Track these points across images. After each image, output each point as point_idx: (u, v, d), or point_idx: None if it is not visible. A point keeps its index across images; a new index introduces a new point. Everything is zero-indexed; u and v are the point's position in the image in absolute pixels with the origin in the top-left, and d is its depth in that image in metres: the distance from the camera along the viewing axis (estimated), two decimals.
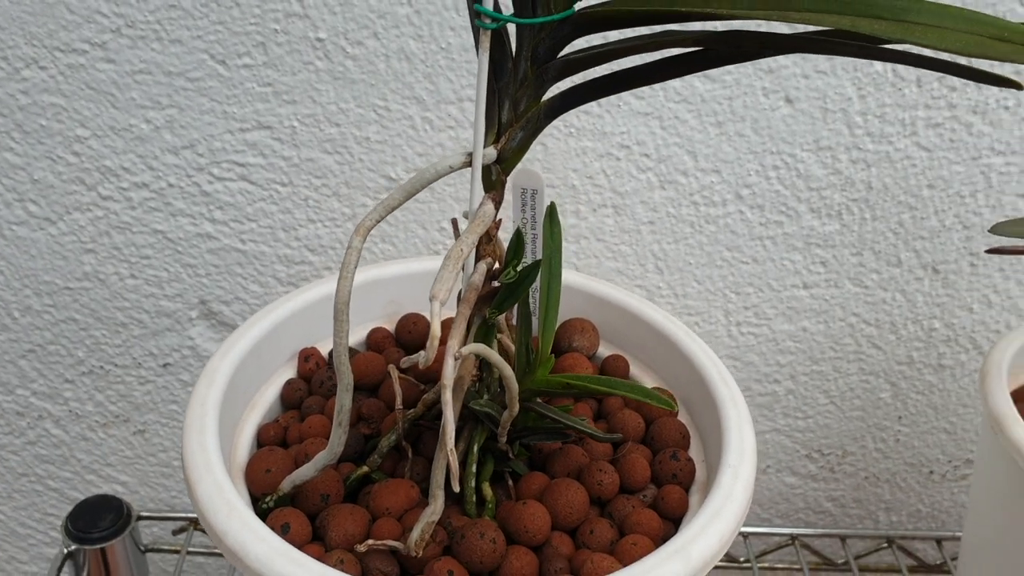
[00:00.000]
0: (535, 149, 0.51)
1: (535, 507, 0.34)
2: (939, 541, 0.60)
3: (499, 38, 0.29)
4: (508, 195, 0.47)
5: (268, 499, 0.34)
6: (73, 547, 0.53)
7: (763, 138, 0.51)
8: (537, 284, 0.36)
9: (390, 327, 0.44)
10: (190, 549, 0.57)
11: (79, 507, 0.55)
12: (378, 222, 0.30)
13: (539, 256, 0.38)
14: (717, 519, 0.32)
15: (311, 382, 0.41)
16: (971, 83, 0.50)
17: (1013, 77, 0.25)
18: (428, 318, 0.43)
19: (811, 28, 0.26)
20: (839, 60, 0.49)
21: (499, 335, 0.39)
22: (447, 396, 0.29)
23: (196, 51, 0.49)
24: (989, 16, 0.24)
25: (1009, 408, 0.43)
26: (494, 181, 0.32)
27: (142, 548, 0.56)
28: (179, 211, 0.54)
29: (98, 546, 0.53)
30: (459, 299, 0.33)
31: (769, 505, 0.65)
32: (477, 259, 0.33)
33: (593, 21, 0.28)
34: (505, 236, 0.33)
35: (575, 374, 0.37)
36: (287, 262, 0.56)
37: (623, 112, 0.50)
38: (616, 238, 0.54)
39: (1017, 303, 0.57)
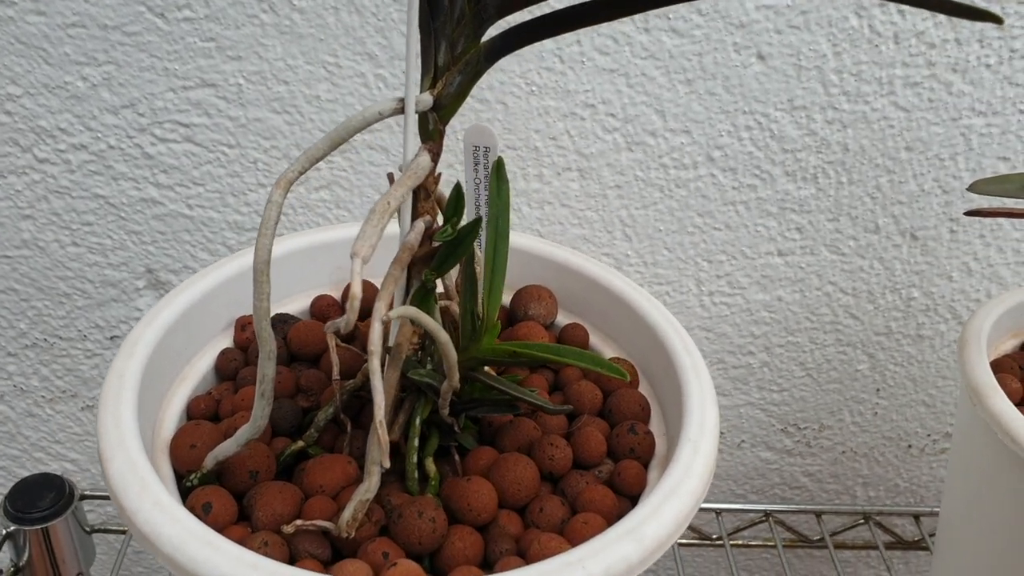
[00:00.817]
0: (494, 108, 0.49)
1: (480, 484, 0.31)
2: (917, 517, 0.58)
3: None
4: (460, 154, 0.44)
5: (192, 477, 0.32)
6: (12, 528, 0.51)
7: (735, 97, 0.48)
8: (484, 241, 0.33)
9: (336, 294, 0.41)
10: None
11: (18, 486, 0.52)
12: (301, 174, 0.28)
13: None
14: (674, 497, 0.30)
15: (247, 352, 0.38)
16: (951, 40, 0.48)
17: (994, 10, 0.23)
18: (375, 284, 0.41)
19: None
20: (813, 15, 0.46)
21: (446, 301, 0.37)
22: (374, 364, 0.26)
23: (132, 3, 0.46)
24: None
25: (988, 378, 0.41)
26: (431, 131, 0.29)
27: (87, 528, 0.54)
28: (121, 175, 0.51)
29: (39, 526, 0.51)
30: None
31: (744, 481, 0.63)
32: (414, 217, 0.31)
33: None
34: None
35: (522, 342, 0.34)
36: (237, 228, 0.53)
37: (587, 69, 0.48)
38: (582, 203, 0.52)
39: (998, 271, 0.55)
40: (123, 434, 0.30)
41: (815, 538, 0.58)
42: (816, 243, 0.53)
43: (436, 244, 0.31)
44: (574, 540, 0.30)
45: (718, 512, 0.57)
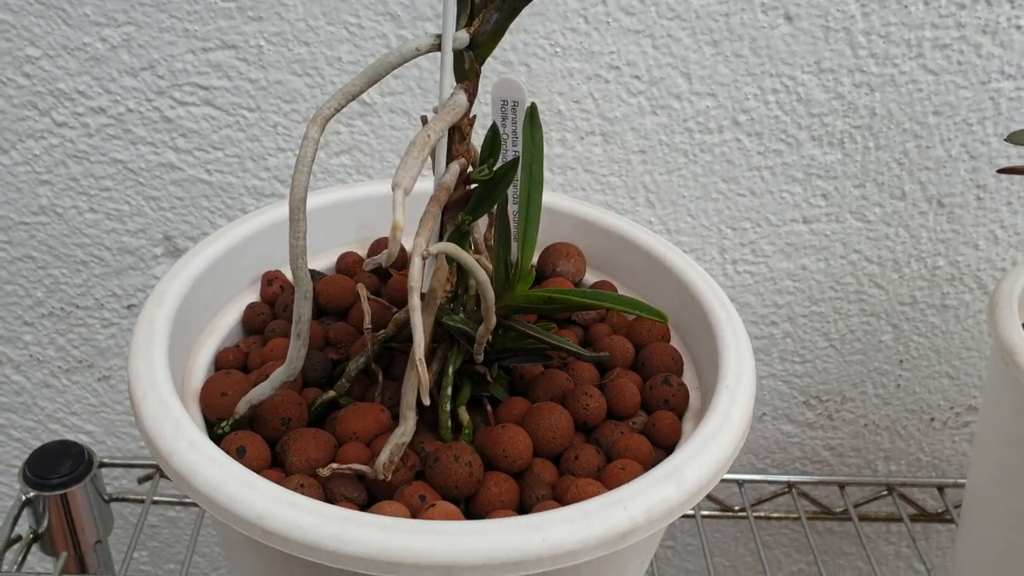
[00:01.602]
0: (518, 71, 0.48)
1: (515, 431, 0.31)
2: (940, 488, 0.57)
3: None
4: (487, 107, 0.44)
5: (224, 424, 0.31)
6: (32, 494, 0.50)
7: (761, 59, 0.48)
8: (516, 192, 0.33)
9: (362, 251, 0.41)
10: (156, 498, 0.54)
11: (37, 452, 0.52)
12: (337, 111, 0.27)
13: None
14: (713, 442, 0.29)
15: (275, 306, 0.38)
16: (981, 0, 0.47)
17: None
18: (407, 247, 0.40)
19: None
20: None
21: (477, 256, 0.36)
22: (414, 300, 0.26)
23: None
24: None
25: (1020, 337, 0.41)
26: (467, 70, 0.29)
27: (105, 497, 0.53)
28: (139, 139, 0.51)
29: (58, 492, 0.50)
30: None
31: (765, 455, 0.63)
32: (450, 160, 0.30)
33: None
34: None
35: (557, 288, 0.34)
36: (256, 194, 0.53)
37: (612, 30, 0.47)
38: (605, 168, 0.51)
39: None
40: (155, 378, 0.30)
41: (838, 510, 0.58)
42: (842, 210, 0.53)
43: (471, 187, 0.30)
44: (611, 485, 0.29)
45: (740, 483, 0.56)
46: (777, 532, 0.65)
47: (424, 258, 0.26)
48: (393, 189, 0.25)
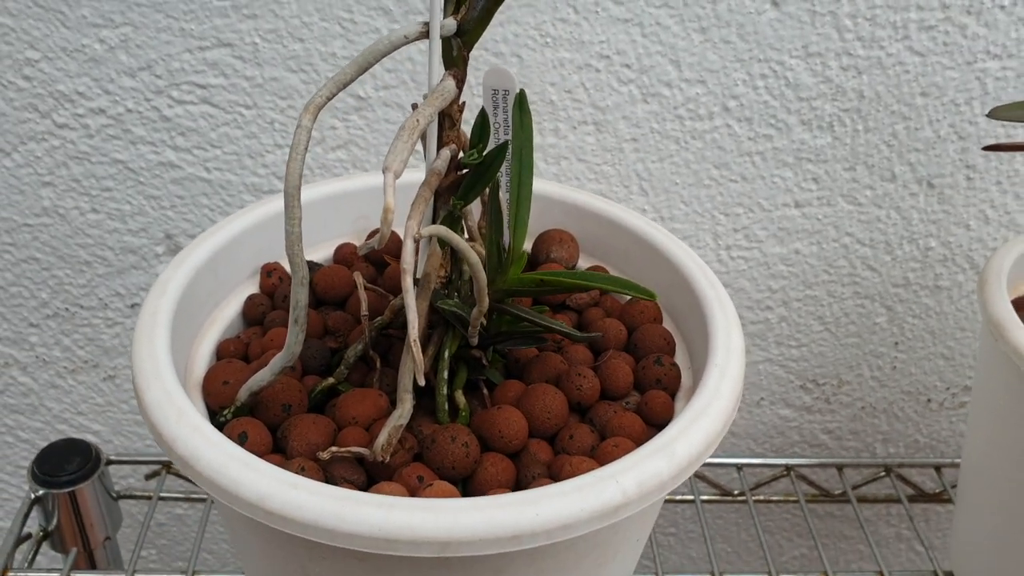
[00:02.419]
0: (510, 62, 0.49)
1: (510, 412, 0.32)
2: (938, 468, 0.58)
3: None
4: (479, 98, 0.44)
5: (226, 412, 0.32)
6: (41, 492, 0.51)
7: (749, 44, 0.49)
8: (507, 178, 0.34)
9: (359, 242, 0.42)
10: (163, 495, 0.55)
11: (46, 450, 0.53)
12: (329, 99, 0.28)
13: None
14: (703, 416, 0.30)
15: (274, 297, 0.38)
16: None
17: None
18: (400, 235, 0.41)
19: None
20: None
21: (470, 242, 0.37)
22: (407, 282, 0.26)
23: None
24: None
25: (1009, 313, 0.41)
26: (455, 57, 0.29)
27: (113, 495, 0.54)
28: (139, 138, 0.51)
29: (66, 490, 0.51)
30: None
31: (763, 439, 0.63)
32: (440, 146, 0.31)
33: None
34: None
35: (548, 271, 0.34)
36: (255, 191, 0.53)
37: (601, 19, 0.48)
38: (598, 157, 0.52)
39: (1015, 218, 0.55)
40: (158, 366, 0.31)
41: (837, 492, 0.58)
42: (833, 193, 0.53)
43: (462, 172, 0.31)
44: (605, 462, 0.30)
45: (739, 467, 0.57)
46: (778, 516, 0.66)
47: (416, 240, 0.27)
48: (384, 172, 0.25)
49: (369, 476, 0.30)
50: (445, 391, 0.33)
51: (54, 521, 0.52)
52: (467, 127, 0.32)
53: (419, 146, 0.31)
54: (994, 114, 0.35)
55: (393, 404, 0.33)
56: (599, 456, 0.31)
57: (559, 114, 0.51)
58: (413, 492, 0.29)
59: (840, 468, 0.57)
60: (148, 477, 0.57)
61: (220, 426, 0.32)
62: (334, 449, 0.30)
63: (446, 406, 0.33)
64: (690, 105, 0.50)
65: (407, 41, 0.28)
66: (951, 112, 0.51)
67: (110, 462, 0.56)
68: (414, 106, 0.31)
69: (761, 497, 0.59)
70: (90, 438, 0.63)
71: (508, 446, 0.31)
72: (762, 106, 0.50)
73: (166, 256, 0.56)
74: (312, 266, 0.40)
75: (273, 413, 0.32)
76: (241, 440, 0.30)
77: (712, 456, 0.35)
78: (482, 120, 0.30)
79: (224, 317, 0.37)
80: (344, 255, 0.41)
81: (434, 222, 0.32)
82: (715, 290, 0.36)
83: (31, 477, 0.51)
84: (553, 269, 0.39)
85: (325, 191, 0.41)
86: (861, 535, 0.66)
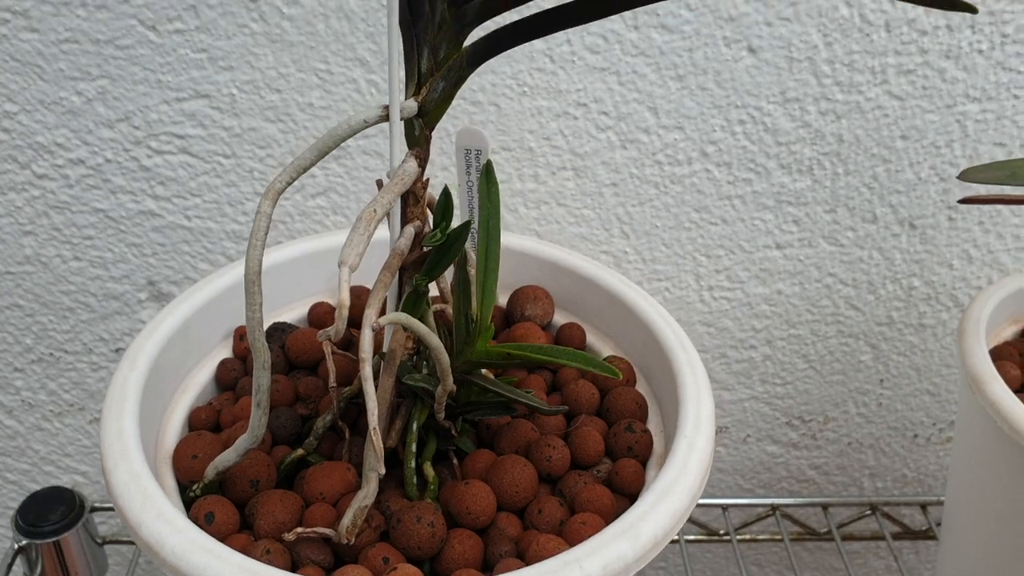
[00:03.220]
0: (487, 111, 0.49)
1: (478, 487, 0.31)
2: (924, 506, 0.58)
3: None
4: (452, 156, 0.44)
5: (195, 487, 0.32)
6: (24, 542, 0.51)
7: (727, 91, 0.48)
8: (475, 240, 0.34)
9: (333, 301, 0.42)
10: None
11: (29, 500, 0.52)
12: (289, 184, 0.28)
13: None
14: (670, 495, 0.30)
15: (247, 362, 0.38)
16: (942, 26, 0.47)
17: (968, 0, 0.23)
18: (368, 288, 0.41)
19: None
20: (803, 6, 0.46)
21: (441, 305, 0.37)
22: (365, 371, 0.26)
23: (124, 17, 0.46)
24: None
25: (987, 366, 0.41)
26: (417, 136, 0.29)
27: (98, 540, 0.54)
28: (119, 188, 0.51)
29: (50, 540, 0.51)
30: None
31: (751, 475, 0.63)
32: (404, 223, 0.31)
33: None
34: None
35: (516, 343, 0.34)
36: (236, 238, 0.53)
37: (578, 68, 0.48)
38: (578, 202, 0.52)
39: (998, 257, 0.54)
40: (126, 446, 0.31)
41: (822, 531, 0.58)
42: (814, 235, 0.53)
43: (426, 249, 0.31)
44: (573, 540, 0.30)
45: (724, 507, 0.57)
46: (767, 551, 0.66)
47: (374, 330, 0.26)
48: (339, 266, 0.25)
49: (336, 555, 0.30)
50: (413, 464, 0.33)
51: (38, 570, 0.52)
52: (437, 181, 0.32)
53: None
54: (965, 176, 0.35)
55: (362, 475, 0.33)
56: (567, 534, 0.31)
57: (538, 160, 0.51)
58: (378, 575, 0.29)
59: (826, 507, 0.57)
60: None
61: (189, 501, 0.32)
62: (299, 530, 0.30)
63: (415, 479, 0.33)
64: (668, 151, 0.50)
65: (367, 125, 0.28)
66: (932, 154, 0.51)
67: (94, 509, 0.56)
68: (379, 183, 0.31)
69: (747, 536, 0.59)
70: (78, 479, 0.63)
71: (476, 522, 0.31)
72: (740, 151, 0.50)
73: (149, 302, 0.56)
74: (285, 328, 0.40)
75: (241, 489, 0.32)
76: (208, 520, 0.30)
77: None
78: (446, 199, 0.30)
79: (197, 383, 0.37)
80: (318, 315, 0.41)
81: (400, 296, 0.32)
82: (687, 353, 0.36)
83: (14, 527, 0.51)
84: (527, 328, 0.39)
85: (297, 251, 0.41)
86: (850, 569, 0.66)
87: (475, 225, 0.35)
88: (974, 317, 0.44)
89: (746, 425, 0.61)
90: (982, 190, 0.46)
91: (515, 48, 0.29)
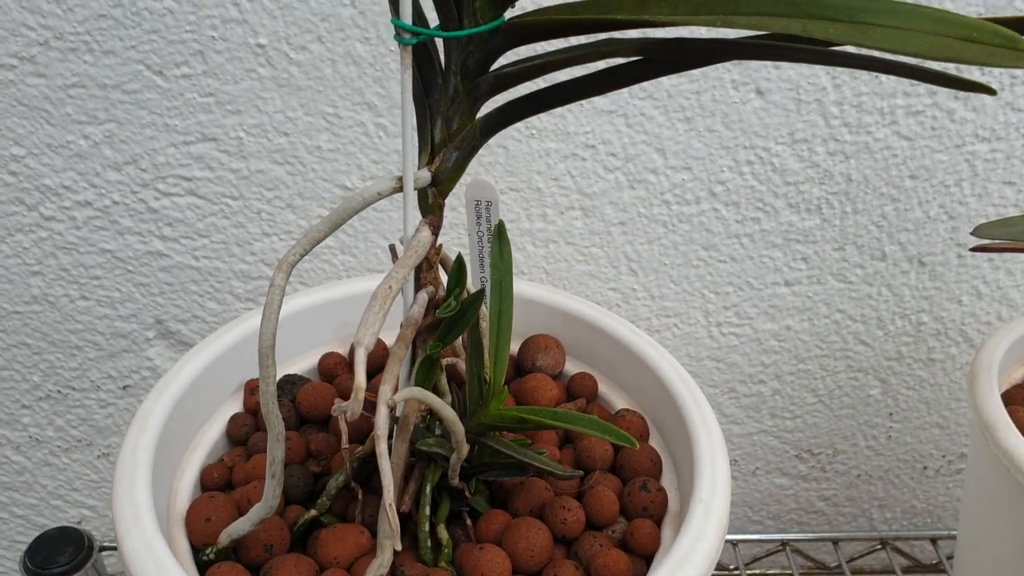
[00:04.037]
0: (496, 152, 0.49)
1: (493, 552, 0.31)
2: (934, 540, 0.58)
3: (425, 52, 0.27)
4: (461, 209, 0.44)
5: (209, 551, 0.32)
6: None
7: (735, 132, 0.48)
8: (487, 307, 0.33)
9: (343, 351, 0.42)
10: None
11: (37, 541, 0.52)
12: (303, 256, 0.28)
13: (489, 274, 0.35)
14: (687, 563, 0.30)
15: (258, 416, 0.38)
16: (951, 68, 0.47)
17: (983, 81, 0.23)
18: (384, 341, 0.41)
19: (759, 32, 0.23)
20: None
21: (453, 359, 0.37)
22: (381, 447, 0.26)
23: (131, 62, 0.46)
24: (954, 15, 0.22)
25: (999, 412, 0.41)
26: (431, 205, 0.29)
27: None
28: (126, 229, 0.51)
29: None
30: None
31: (760, 507, 0.63)
32: (417, 288, 0.31)
33: (524, 32, 0.25)
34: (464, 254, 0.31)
35: (530, 407, 0.34)
36: (244, 277, 0.53)
37: (586, 111, 0.48)
38: (587, 240, 0.52)
39: (1007, 293, 0.54)
40: (138, 511, 0.30)
41: (832, 565, 0.58)
42: (823, 272, 0.53)
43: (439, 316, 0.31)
44: None
45: (735, 543, 0.57)
46: None
47: (390, 407, 0.26)
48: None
49: None
50: (427, 527, 0.32)
51: None
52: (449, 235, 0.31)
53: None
54: (978, 232, 0.35)
55: (376, 537, 0.33)
56: None
57: (546, 200, 0.51)
58: None
59: (836, 542, 0.57)
60: None
61: (203, 564, 0.32)
62: None
63: (428, 542, 0.32)
64: (676, 191, 0.50)
65: (381, 197, 0.28)
66: (940, 193, 0.51)
67: (103, 548, 0.55)
68: (392, 249, 0.31)
69: (757, 571, 0.58)
70: (86, 513, 0.63)
71: None
72: (749, 191, 0.50)
73: (156, 340, 0.55)
74: (296, 380, 0.40)
75: (255, 553, 0.32)
76: None
77: None
78: (459, 267, 0.30)
79: (208, 439, 0.37)
80: (328, 366, 0.41)
81: (412, 362, 0.32)
82: (700, 409, 0.36)
83: (23, 569, 0.51)
84: (539, 379, 0.39)
85: (307, 302, 0.41)
86: None
87: (487, 291, 0.35)
88: (985, 361, 0.44)
89: (755, 458, 0.61)
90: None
91: (523, 91, 0.29)
